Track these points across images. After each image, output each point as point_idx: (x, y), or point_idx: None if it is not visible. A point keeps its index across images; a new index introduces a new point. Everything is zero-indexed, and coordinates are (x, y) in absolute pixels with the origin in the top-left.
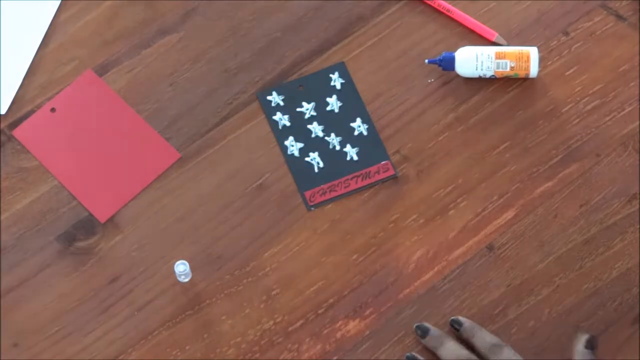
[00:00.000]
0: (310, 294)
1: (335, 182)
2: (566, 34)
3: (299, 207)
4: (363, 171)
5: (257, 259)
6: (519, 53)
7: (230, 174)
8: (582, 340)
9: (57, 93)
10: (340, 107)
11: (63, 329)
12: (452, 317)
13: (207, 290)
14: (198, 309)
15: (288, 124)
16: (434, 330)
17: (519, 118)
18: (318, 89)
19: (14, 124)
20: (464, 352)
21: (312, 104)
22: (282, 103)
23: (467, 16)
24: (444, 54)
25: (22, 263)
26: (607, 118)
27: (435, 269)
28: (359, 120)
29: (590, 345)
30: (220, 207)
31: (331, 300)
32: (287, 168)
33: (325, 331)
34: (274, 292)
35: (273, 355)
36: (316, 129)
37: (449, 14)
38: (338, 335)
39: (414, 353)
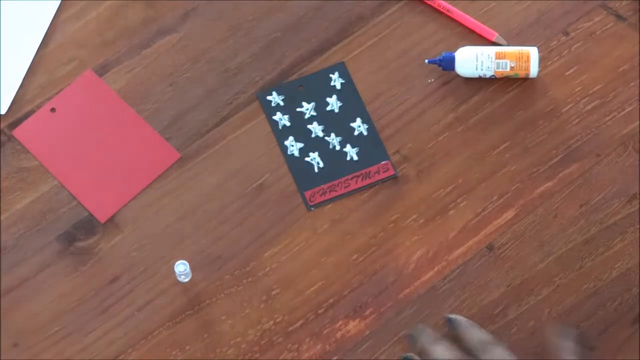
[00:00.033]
0: (310, 294)
1: (335, 182)
2: (566, 34)
3: (299, 207)
4: (363, 171)
5: (257, 259)
6: (519, 53)
7: (230, 174)
8: (567, 336)
9: (57, 93)
10: (340, 107)
11: (63, 329)
12: (446, 315)
13: (207, 290)
14: (198, 309)
15: (288, 124)
16: (421, 334)
17: (519, 118)
18: (318, 89)
19: (14, 124)
20: (454, 353)
21: (312, 104)
22: (282, 103)
23: (467, 16)
24: (444, 54)
25: (22, 263)
26: (607, 118)
27: (435, 269)
28: (359, 120)
29: (578, 341)
30: (220, 207)
31: (331, 300)
32: (287, 168)
33: (325, 331)
34: (274, 292)
35: (273, 355)
36: (316, 129)
37: (449, 14)
38: (338, 335)
39: (411, 354)
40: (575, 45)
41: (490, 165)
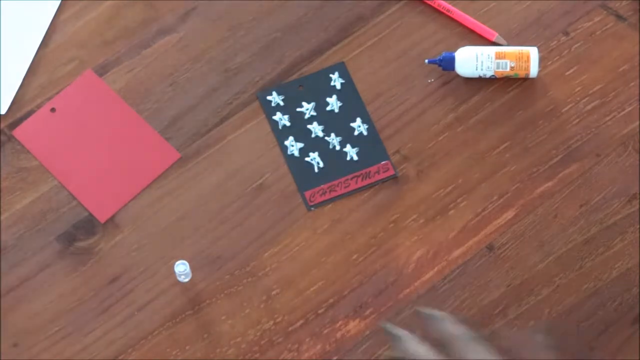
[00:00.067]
0: (310, 294)
1: (335, 182)
2: (566, 34)
3: (299, 207)
4: (363, 171)
5: (257, 259)
6: (519, 53)
7: (230, 174)
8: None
9: (57, 93)
10: (340, 107)
11: (63, 329)
12: (417, 308)
13: (207, 290)
14: (198, 309)
15: (288, 124)
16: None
17: (519, 118)
18: (318, 89)
19: (14, 124)
20: (422, 348)
21: (312, 104)
22: (282, 103)
23: (467, 16)
24: (444, 54)
25: (22, 263)
26: (607, 118)
27: (435, 269)
28: (359, 120)
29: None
30: (220, 207)
31: (331, 300)
32: (287, 168)
33: (325, 331)
34: (274, 292)
35: (273, 355)
36: (316, 129)
37: (449, 14)
38: (338, 335)
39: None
40: (575, 45)
41: (490, 165)
